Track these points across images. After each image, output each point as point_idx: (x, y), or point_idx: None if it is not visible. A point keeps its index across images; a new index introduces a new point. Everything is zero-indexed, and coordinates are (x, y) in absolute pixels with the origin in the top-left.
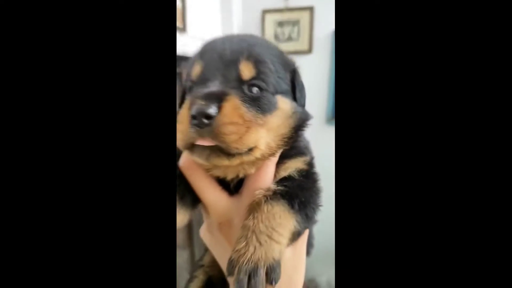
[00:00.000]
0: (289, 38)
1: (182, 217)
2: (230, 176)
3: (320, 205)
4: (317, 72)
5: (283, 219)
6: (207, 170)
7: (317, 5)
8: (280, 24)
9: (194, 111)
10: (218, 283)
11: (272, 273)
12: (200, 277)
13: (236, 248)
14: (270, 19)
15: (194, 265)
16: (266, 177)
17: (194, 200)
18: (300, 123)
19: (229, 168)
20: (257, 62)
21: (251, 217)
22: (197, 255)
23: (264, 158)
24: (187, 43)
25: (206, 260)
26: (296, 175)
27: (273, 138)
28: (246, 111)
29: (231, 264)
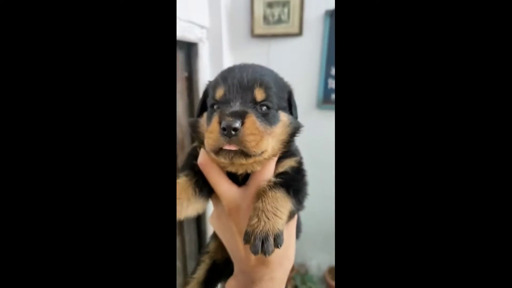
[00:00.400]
0: (279, 20)
1: (201, 205)
2: (240, 171)
3: (307, 194)
4: (307, 56)
5: (283, 201)
6: (222, 167)
7: None
8: (270, 5)
9: (224, 125)
10: (221, 265)
11: (278, 239)
12: (206, 261)
13: (251, 224)
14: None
15: (188, 253)
16: (268, 172)
17: (209, 192)
18: (294, 131)
19: (241, 165)
20: (266, 88)
21: (259, 201)
22: (188, 242)
23: (269, 158)
24: None
25: (211, 246)
26: (289, 170)
27: (276, 144)
28: (260, 125)
29: (248, 234)
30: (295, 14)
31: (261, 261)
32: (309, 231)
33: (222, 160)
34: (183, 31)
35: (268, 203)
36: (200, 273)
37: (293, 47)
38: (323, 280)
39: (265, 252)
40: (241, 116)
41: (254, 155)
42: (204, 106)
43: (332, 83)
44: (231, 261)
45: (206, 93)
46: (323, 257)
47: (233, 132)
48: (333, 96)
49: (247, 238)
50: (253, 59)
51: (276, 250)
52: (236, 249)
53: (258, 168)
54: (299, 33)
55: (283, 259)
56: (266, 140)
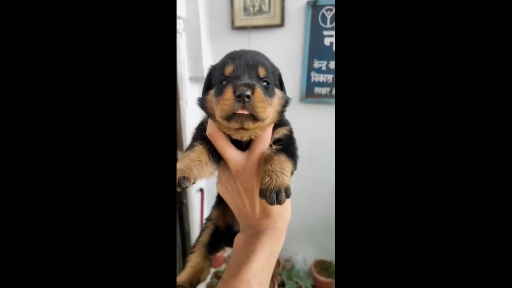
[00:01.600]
0: (260, 11)
1: (212, 169)
2: (245, 138)
3: (298, 157)
4: (289, 48)
5: (286, 163)
6: (228, 134)
7: None
8: None
9: (238, 93)
10: (223, 231)
11: (288, 191)
12: (210, 227)
13: (264, 182)
14: None
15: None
16: (267, 138)
17: (218, 159)
18: (285, 103)
19: (245, 132)
20: (266, 68)
21: (268, 164)
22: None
23: (268, 125)
24: None
25: (213, 214)
26: (283, 137)
27: (273, 113)
28: (264, 96)
29: (263, 191)
30: (276, 4)
31: (265, 214)
32: (294, 226)
33: (234, 124)
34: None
35: (276, 165)
36: (205, 237)
37: (274, 39)
38: (309, 274)
39: (280, 202)
40: (251, 87)
41: (261, 120)
42: (209, 86)
43: (315, 76)
44: (231, 227)
45: (210, 75)
46: (309, 251)
47: (246, 99)
48: (316, 89)
49: (263, 193)
50: None
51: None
52: (243, 206)
53: (260, 134)
54: (281, 24)
55: (283, 211)
56: (269, 108)
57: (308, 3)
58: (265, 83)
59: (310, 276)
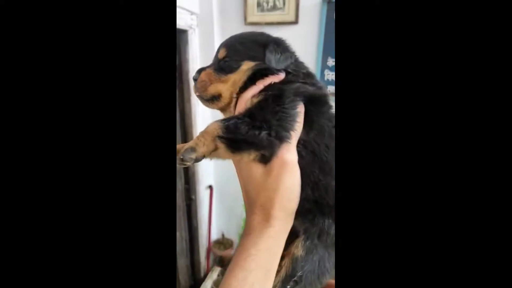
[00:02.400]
0: (274, 7)
1: None
2: (227, 115)
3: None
4: (303, 46)
5: (210, 129)
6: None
7: None
8: None
9: (193, 78)
10: None
11: (188, 153)
12: None
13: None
14: None
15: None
16: (239, 106)
17: None
18: (257, 71)
19: (213, 107)
20: (228, 47)
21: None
22: (179, 239)
23: (233, 101)
24: None
25: None
26: (250, 105)
27: (234, 88)
28: (214, 74)
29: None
30: (291, 1)
31: (252, 201)
32: None
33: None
34: (180, 19)
35: (202, 131)
36: None
37: (288, 36)
38: None
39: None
40: (200, 71)
41: (207, 99)
42: None
43: (329, 75)
44: None
45: None
46: None
47: (194, 82)
48: (329, 88)
49: None
50: None
51: (263, 188)
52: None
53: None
54: (295, 21)
55: (286, 197)
56: (215, 86)
57: (323, 0)
58: (224, 62)
59: None
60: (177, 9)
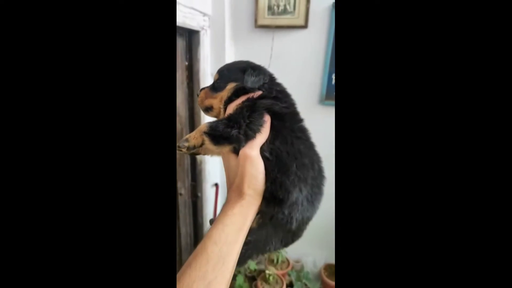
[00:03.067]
0: (284, 11)
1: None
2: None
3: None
4: (312, 50)
5: (202, 127)
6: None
7: None
8: None
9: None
10: None
11: (184, 144)
12: None
13: None
14: None
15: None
16: (227, 113)
17: None
18: (234, 90)
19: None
20: (219, 73)
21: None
22: (184, 235)
23: (221, 110)
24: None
25: None
26: (231, 111)
27: (221, 103)
28: (209, 92)
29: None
30: (301, 5)
31: (230, 180)
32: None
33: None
34: (184, 18)
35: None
36: None
37: (297, 40)
38: (318, 277)
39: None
40: (201, 90)
41: (204, 109)
42: None
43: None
44: None
45: None
46: (319, 254)
47: (197, 97)
48: None
49: None
50: (256, 50)
51: (232, 168)
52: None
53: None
54: (305, 26)
55: (243, 175)
56: (209, 101)
57: (333, 4)
58: (217, 83)
59: (319, 279)
60: (190, 10)
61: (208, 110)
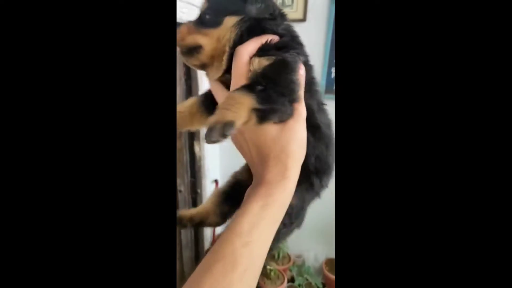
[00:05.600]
0: (282, 4)
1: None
2: (212, 74)
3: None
4: (311, 43)
5: (239, 98)
6: (223, 82)
7: None
8: None
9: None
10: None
11: (226, 127)
12: (231, 180)
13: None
14: None
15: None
16: (238, 72)
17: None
18: (246, 31)
19: (211, 68)
20: (208, 2)
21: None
22: (183, 233)
23: (219, 54)
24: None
25: (239, 169)
26: (262, 70)
27: (219, 44)
28: (193, 27)
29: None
30: None
31: (262, 157)
32: (306, 223)
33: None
34: (180, 13)
35: (225, 101)
36: (225, 185)
37: None
38: (320, 271)
39: (212, 139)
40: (178, 25)
41: (185, 51)
42: None
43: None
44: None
45: None
46: (320, 249)
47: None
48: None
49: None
50: None
51: (273, 141)
52: (244, 153)
53: (223, 64)
54: (303, 19)
55: (286, 148)
56: (194, 38)
57: None
58: (207, 16)
59: (320, 273)
60: (186, 5)
61: (191, 52)
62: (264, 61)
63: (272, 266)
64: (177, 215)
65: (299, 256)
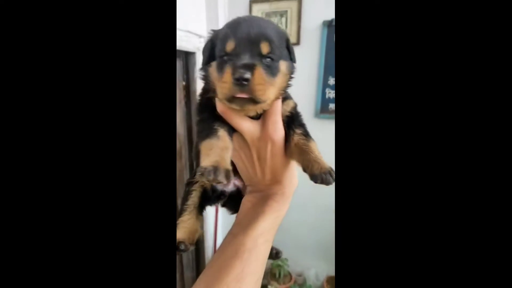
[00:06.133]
0: None
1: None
2: (252, 114)
3: None
4: (305, 65)
5: (315, 145)
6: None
7: None
8: (268, 14)
9: (236, 76)
10: (209, 192)
11: (332, 173)
12: (197, 190)
13: (315, 168)
14: (258, 9)
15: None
16: (278, 110)
17: (232, 132)
18: (291, 77)
19: (251, 110)
20: (270, 42)
21: (309, 152)
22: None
23: (275, 100)
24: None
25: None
26: (293, 111)
27: (278, 91)
28: (265, 76)
29: (316, 176)
30: (293, 23)
31: (275, 181)
32: (307, 241)
33: (234, 106)
34: (180, 41)
35: (316, 152)
36: (195, 199)
37: None
38: None
39: (328, 182)
40: (251, 68)
41: (262, 102)
42: (211, 56)
43: (329, 93)
44: (215, 188)
45: (212, 42)
46: (321, 267)
47: (244, 83)
48: (330, 105)
49: (318, 178)
50: None
51: (288, 172)
52: (254, 173)
53: (267, 108)
54: (297, 43)
55: (292, 178)
56: (270, 90)
57: (323, 23)
58: (268, 60)
59: None
60: (186, 33)
61: (257, 103)
62: (292, 103)
63: (274, 285)
64: (178, 242)
65: (300, 275)
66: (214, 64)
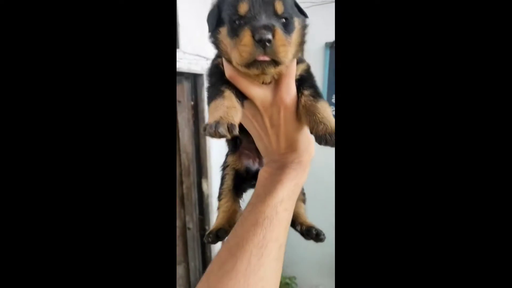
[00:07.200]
0: None
1: (241, 113)
2: (267, 80)
3: None
4: None
5: (328, 107)
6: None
7: (310, 16)
8: None
9: (258, 37)
10: (243, 173)
11: (333, 136)
12: (229, 173)
13: (319, 129)
14: None
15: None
16: (293, 73)
17: (242, 99)
18: (305, 32)
19: (267, 75)
20: (283, 1)
21: (316, 113)
22: (192, 270)
23: (291, 61)
24: (180, 58)
25: (230, 160)
26: (305, 73)
27: (295, 50)
28: (284, 37)
29: (321, 137)
30: None
31: (291, 149)
32: (315, 257)
33: (254, 71)
34: (189, 64)
35: (324, 112)
36: (229, 182)
37: None
38: None
39: (333, 144)
40: (271, 29)
41: (283, 64)
42: (219, 21)
43: (332, 111)
44: (249, 169)
45: (219, 7)
46: (329, 285)
47: (267, 44)
48: None
49: (322, 139)
50: None
51: (303, 139)
52: (269, 141)
53: (284, 71)
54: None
55: (308, 146)
56: (290, 49)
57: (326, 44)
58: (283, 19)
59: None
60: (195, 57)
61: (277, 64)
62: (304, 66)
63: None
64: (218, 228)
65: None
66: (224, 29)
